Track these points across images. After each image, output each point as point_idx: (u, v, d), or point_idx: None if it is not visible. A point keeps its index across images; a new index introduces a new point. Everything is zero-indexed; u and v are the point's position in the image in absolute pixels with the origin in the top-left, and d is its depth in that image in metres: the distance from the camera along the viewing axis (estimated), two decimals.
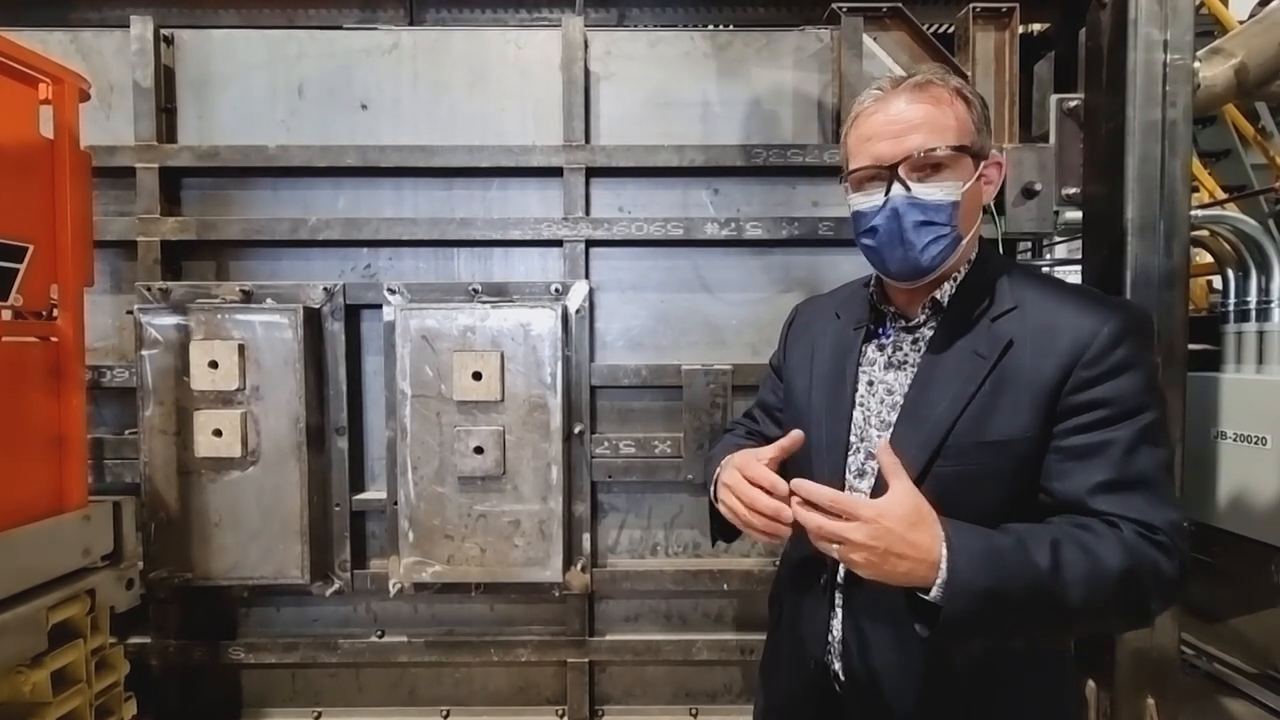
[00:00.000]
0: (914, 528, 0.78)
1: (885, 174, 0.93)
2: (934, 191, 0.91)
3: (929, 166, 0.92)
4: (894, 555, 0.77)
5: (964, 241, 0.95)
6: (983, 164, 0.95)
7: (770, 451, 0.96)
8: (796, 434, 0.98)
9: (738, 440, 1.23)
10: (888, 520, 0.78)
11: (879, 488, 0.89)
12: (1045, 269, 5.36)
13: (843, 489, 1.00)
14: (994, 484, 0.90)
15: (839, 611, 1.01)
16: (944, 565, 0.78)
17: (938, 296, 0.98)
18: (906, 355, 1.01)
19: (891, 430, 0.96)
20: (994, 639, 0.89)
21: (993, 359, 0.91)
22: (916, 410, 0.94)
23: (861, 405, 1.02)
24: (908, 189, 0.92)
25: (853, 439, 1.01)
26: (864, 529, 0.77)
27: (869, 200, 0.95)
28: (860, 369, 1.04)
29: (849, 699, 1.00)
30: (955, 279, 0.98)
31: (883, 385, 1.01)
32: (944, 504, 0.87)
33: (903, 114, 0.92)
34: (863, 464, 1.01)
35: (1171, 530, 0.83)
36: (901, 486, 0.81)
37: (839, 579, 1.01)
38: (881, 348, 1.04)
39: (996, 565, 0.78)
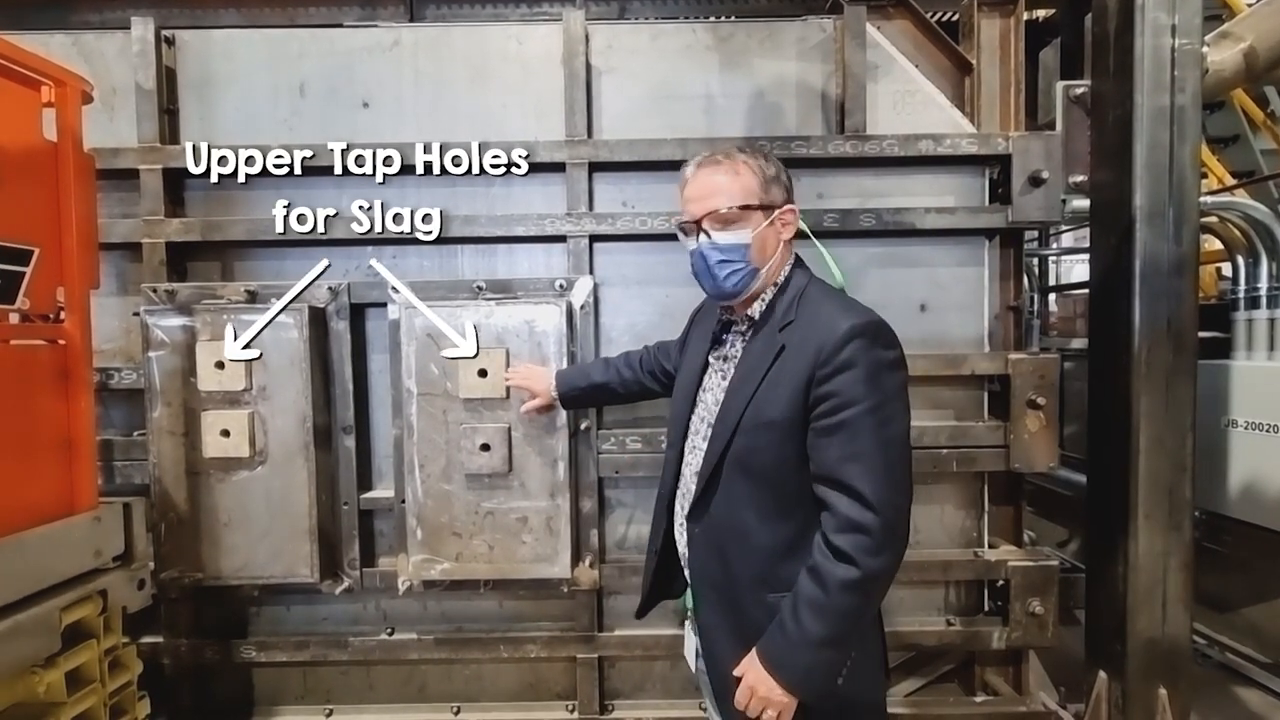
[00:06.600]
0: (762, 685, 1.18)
1: (693, 226, 1.27)
2: (727, 238, 1.25)
3: (725, 220, 1.24)
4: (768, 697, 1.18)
5: (762, 271, 1.27)
6: (776, 212, 1.26)
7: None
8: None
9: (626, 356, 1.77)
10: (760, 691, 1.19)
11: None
12: (1053, 259, 5.37)
13: (682, 454, 1.38)
14: (772, 451, 1.22)
15: (683, 533, 1.37)
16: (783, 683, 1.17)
17: (750, 313, 1.31)
18: (736, 355, 1.33)
19: (717, 412, 1.30)
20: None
21: (770, 360, 1.23)
22: (729, 399, 1.28)
23: (704, 392, 1.37)
24: (709, 236, 1.26)
25: (694, 420, 1.37)
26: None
27: (690, 243, 1.30)
28: (709, 364, 1.39)
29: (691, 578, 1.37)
30: (764, 299, 1.30)
31: (719, 374, 1.36)
32: (743, 465, 1.23)
33: (703, 184, 1.27)
34: (699, 437, 1.35)
35: (874, 495, 1.11)
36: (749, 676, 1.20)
37: (683, 518, 1.36)
38: (722, 346, 1.38)
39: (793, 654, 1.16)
